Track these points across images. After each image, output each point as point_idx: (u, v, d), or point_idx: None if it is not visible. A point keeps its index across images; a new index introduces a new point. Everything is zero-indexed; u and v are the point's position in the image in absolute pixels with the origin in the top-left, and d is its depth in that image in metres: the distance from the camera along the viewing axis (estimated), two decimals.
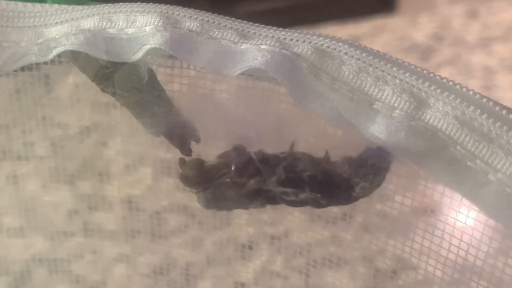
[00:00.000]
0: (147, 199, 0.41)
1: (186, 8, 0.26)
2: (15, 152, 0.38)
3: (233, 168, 0.28)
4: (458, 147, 0.23)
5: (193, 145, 0.30)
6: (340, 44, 0.25)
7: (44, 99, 0.36)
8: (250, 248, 0.40)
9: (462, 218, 0.27)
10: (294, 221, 0.37)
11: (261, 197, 0.28)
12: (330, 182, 0.27)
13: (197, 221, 0.41)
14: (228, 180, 0.28)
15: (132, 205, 0.41)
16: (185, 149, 0.29)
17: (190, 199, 0.37)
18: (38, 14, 0.28)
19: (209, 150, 0.29)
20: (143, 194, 0.41)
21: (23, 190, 0.40)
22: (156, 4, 0.27)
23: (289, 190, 0.28)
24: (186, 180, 0.29)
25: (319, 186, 0.27)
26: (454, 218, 0.28)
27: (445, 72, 0.70)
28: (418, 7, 0.85)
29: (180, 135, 0.29)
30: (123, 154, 0.40)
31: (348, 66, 0.25)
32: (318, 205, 0.28)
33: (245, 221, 0.40)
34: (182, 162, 0.29)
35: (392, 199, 0.30)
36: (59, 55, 0.27)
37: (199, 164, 0.29)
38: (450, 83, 0.24)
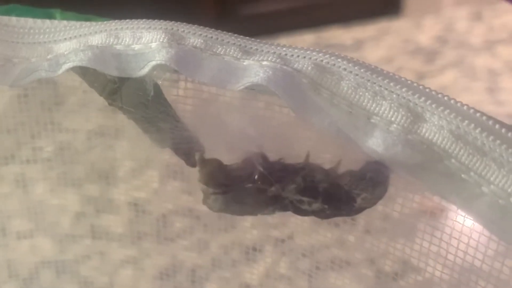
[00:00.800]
0: (153, 202, 0.41)
1: (190, 24, 0.27)
2: (23, 156, 0.39)
3: (258, 174, 0.28)
4: (453, 160, 0.24)
5: None
6: (339, 60, 0.26)
7: (51, 103, 0.37)
8: (256, 250, 0.40)
9: (464, 220, 0.28)
10: (298, 224, 0.37)
11: (278, 203, 0.29)
12: (336, 194, 0.28)
13: (203, 223, 0.41)
14: (249, 185, 0.28)
15: (139, 208, 0.41)
16: (191, 161, 0.30)
17: (196, 202, 0.38)
18: (47, 30, 0.29)
19: None
20: (150, 197, 0.41)
21: (31, 194, 0.40)
22: (161, 20, 0.27)
23: (305, 199, 0.28)
24: (208, 178, 0.29)
25: (329, 197, 0.28)
26: (456, 220, 0.28)
27: (450, 75, 0.70)
28: (423, 9, 0.85)
29: (186, 149, 0.30)
30: (129, 158, 0.40)
31: (347, 82, 0.25)
32: (323, 215, 0.29)
33: (250, 224, 0.40)
34: (202, 159, 0.29)
35: (395, 201, 0.30)
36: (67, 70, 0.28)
37: (220, 164, 0.29)
38: (445, 98, 0.24)
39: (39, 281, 0.42)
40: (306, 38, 0.76)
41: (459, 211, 0.28)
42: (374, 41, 0.78)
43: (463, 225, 0.28)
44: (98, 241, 0.42)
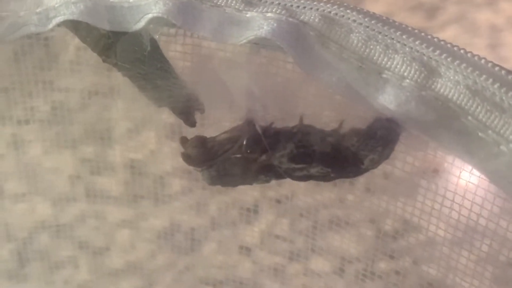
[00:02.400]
0: (150, 164, 0.41)
1: None
2: (16, 117, 0.38)
3: (244, 142, 0.27)
4: (470, 118, 0.23)
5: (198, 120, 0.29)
6: (348, 11, 0.24)
7: (44, 62, 0.36)
8: (255, 211, 0.40)
9: (466, 177, 0.27)
10: (298, 184, 0.36)
11: (272, 172, 0.28)
12: (339, 156, 0.27)
13: (201, 185, 0.40)
14: (233, 156, 0.28)
15: (135, 170, 0.41)
16: (190, 121, 0.29)
17: None
18: None
19: (215, 124, 0.29)
20: (146, 159, 0.41)
21: (25, 156, 0.40)
22: None
23: (299, 166, 0.27)
24: (189, 159, 0.28)
25: (330, 160, 0.27)
26: (457, 177, 0.28)
27: (451, 31, 0.69)
28: None
29: (184, 108, 0.29)
30: (125, 118, 0.39)
31: (357, 34, 0.24)
32: (328, 179, 0.28)
33: (249, 185, 0.39)
34: (184, 140, 0.28)
35: (396, 159, 0.29)
36: (58, 24, 0.26)
37: (202, 141, 0.28)
38: (462, 51, 0.23)
39: (35, 245, 0.42)
40: None
41: (461, 167, 0.27)
42: None
43: (466, 181, 0.27)
44: (95, 203, 0.41)
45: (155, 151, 0.40)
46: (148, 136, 0.40)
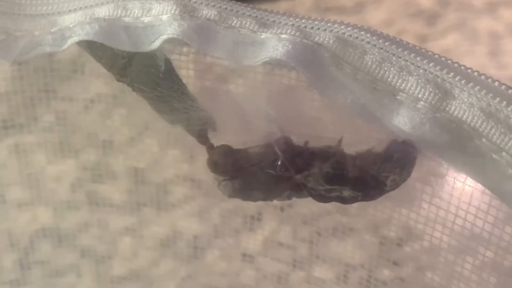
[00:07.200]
0: (152, 171, 0.41)
1: None
2: (19, 125, 0.38)
3: (280, 160, 0.27)
4: (484, 140, 0.23)
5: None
6: (362, 32, 0.24)
7: (47, 71, 0.36)
8: (258, 219, 0.40)
9: (470, 184, 0.27)
10: None
11: (299, 191, 0.28)
12: (367, 179, 0.27)
13: (203, 193, 0.40)
14: (264, 171, 0.27)
15: (138, 178, 0.41)
16: (203, 140, 0.29)
17: (196, 170, 0.37)
18: (51, 1, 0.27)
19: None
20: (149, 166, 0.40)
21: (28, 164, 0.39)
22: None
23: (333, 187, 0.27)
24: (215, 166, 0.28)
25: (360, 183, 0.27)
26: (462, 183, 0.28)
27: (451, 38, 0.69)
28: None
29: (200, 130, 0.29)
30: (128, 126, 0.39)
31: (371, 56, 0.24)
32: (352, 201, 0.28)
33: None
34: (210, 147, 0.28)
35: None
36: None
37: (228, 151, 0.28)
38: (475, 73, 0.23)
39: (38, 252, 0.42)
40: (305, 1, 0.74)
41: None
42: (374, 4, 0.77)
43: (471, 189, 0.28)
44: (97, 211, 0.41)
45: (158, 159, 0.40)
46: (150, 144, 0.40)
